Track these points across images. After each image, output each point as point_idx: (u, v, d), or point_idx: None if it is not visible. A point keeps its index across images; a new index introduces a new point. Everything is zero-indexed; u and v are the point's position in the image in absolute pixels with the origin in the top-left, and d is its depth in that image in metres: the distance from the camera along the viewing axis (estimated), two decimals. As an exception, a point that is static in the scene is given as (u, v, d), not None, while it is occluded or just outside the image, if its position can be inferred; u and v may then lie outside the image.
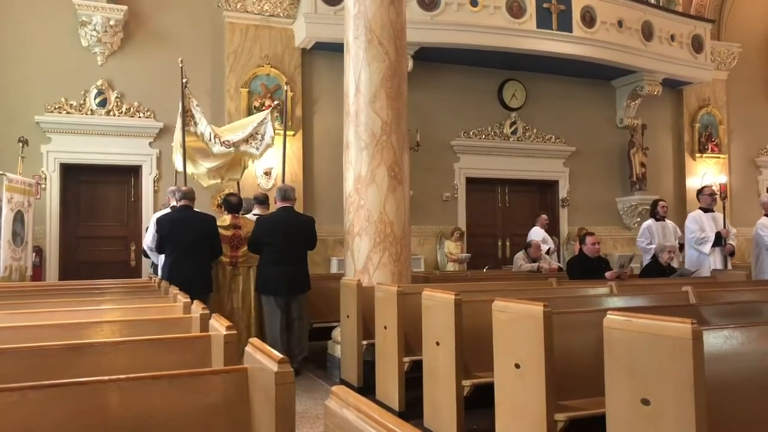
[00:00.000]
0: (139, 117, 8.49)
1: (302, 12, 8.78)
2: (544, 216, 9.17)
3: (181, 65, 6.98)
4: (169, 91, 7.80)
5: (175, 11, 8.70)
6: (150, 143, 8.55)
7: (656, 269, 6.41)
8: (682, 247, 7.96)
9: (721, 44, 11.68)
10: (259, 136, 6.63)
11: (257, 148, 6.62)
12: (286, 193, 5.74)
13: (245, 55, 8.87)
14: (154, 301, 4.03)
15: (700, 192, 7.74)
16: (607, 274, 5.80)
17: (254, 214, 6.47)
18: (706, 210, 7.41)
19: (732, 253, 7.44)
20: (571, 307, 3.87)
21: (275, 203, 5.93)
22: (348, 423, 1.17)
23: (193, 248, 5.47)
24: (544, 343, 2.87)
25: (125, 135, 8.42)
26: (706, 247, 7.20)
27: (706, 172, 11.57)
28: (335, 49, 7.81)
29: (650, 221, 7.96)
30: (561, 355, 3.01)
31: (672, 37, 10.60)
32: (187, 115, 6.67)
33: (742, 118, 12.09)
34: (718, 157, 11.73)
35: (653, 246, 7.57)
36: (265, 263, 5.63)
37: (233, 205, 6.25)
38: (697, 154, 11.55)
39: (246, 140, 6.61)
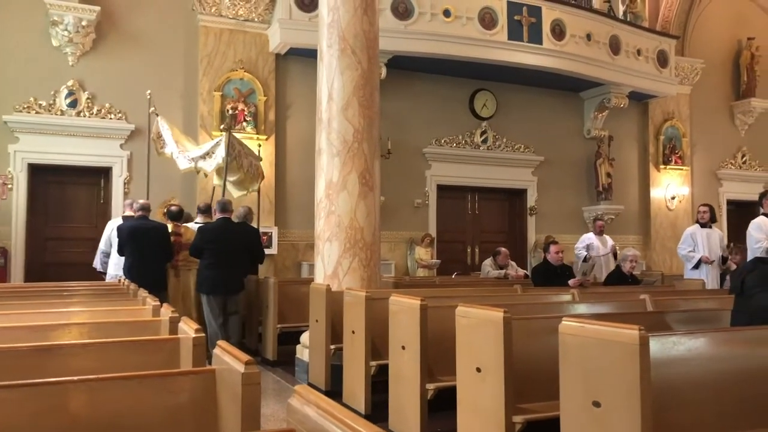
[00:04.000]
0: (111, 118, 8.45)
1: (277, 18, 8.83)
2: (599, 222, 9.03)
3: (148, 96, 7.41)
4: (142, 93, 7.79)
5: (149, 13, 8.69)
6: (121, 145, 8.51)
7: (619, 278, 6.61)
8: (724, 260, 7.42)
9: (685, 60, 12.05)
10: (213, 155, 7.01)
11: (210, 166, 7.09)
12: (224, 206, 6.37)
13: (219, 58, 8.89)
14: (123, 304, 4.06)
15: (764, 195, 6.63)
16: (570, 281, 5.97)
17: (196, 222, 6.99)
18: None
19: None
20: (535, 313, 4.00)
21: (214, 214, 6.53)
22: (309, 419, 1.25)
23: (148, 252, 6.19)
24: (504, 347, 2.99)
25: (96, 136, 8.37)
26: None
27: (669, 183, 11.91)
28: (309, 55, 7.88)
29: (695, 227, 7.45)
30: (521, 360, 3.12)
31: (638, 52, 10.91)
32: (159, 140, 7.32)
33: (704, 131, 12.48)
34: (681, 169, 12.08)
35: (696, 255, 7.23)
36: (204, 266, 6.22)
37: (174, 213, 6.95)
38: (662, 166, 11.88)
39: (203, 157, 7.07)
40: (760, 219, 6.41)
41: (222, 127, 7.67)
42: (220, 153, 6.94)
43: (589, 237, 8.67)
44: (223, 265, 6.13)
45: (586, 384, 2.46)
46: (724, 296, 4.98)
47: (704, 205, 7.68)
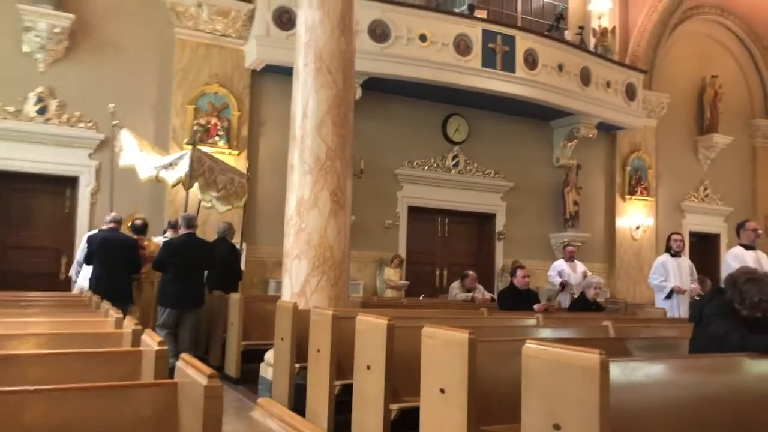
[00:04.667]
0: (80, 127, 8.33)
1: (254, 34, 8.86)
2: (569, 248, 9.00)
3: (111, 110, 7.48)
4: (115, 103, 7.73)
5: (125, 23, 8.63)
6: (90, 154, 8.39)
7: (583, 304, 6.70)
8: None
9: (652, 94, 12.40)
10: (176, 167, 7.03)
11: (172, 177, 7.11)
12: (189, 221, 6.45)
13: (194, 72, 8.86)
14: (85, 316, 3.98)
15: (741, 226, 6.61)
16: (536, 306, 6.03)
17: (165, 237, 7.16)
18: (747, 247, 6.41)
19: None
20: (500, 336, 4.03)
21: (179, 230, 6.55)
22: (271, 432, 1.25)
23: (116, 263, 6.27)
24: (468, 369, 3.00)
25: (64, 144, 8.24)
26: None
27: (635, 213, 12.17)
28: (285, 73, 7.90)
29: (665, 257, 7.28)
30: (485, 382, 3.14)
31: (608, 84, 11.20)
32: (122, 152, 7.37)
33: (669, 164, 12.82)
34: (647, 200, 12.36)
35: (669, 284, 7.10)
36: (167, 280, 6.27)
37: (138, 227, 7.11)
38: (627, 196, 12.14)
39: (165, 167, 7.09)
40: (737, 249, 6.44)
41: (186, 141, 7.64)
42: (184, 166, 6.96)
43: (560, 264, 8.71)
44: (186, 280, 6.21)
45: (547, 406, 2.48)
46: (684, 325, 5.07)
47: (677, 233, 7.58)
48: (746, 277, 3.45)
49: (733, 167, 13.59)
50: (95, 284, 6.21)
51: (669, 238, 7.34)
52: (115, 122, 7.51)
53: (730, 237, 13.22)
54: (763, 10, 13.33)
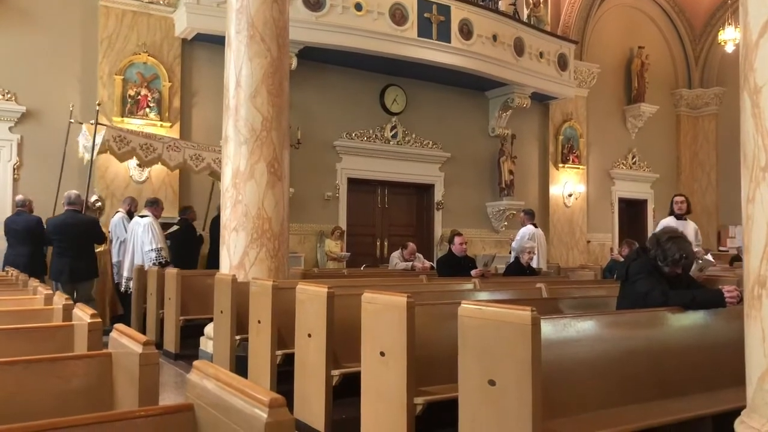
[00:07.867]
0: (-1, 99, 7.90)
1: (184, 1, 8.55)
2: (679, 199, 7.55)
3: (71, 108, 7.41)
4: (34, 73, 7.36)
5: (43, -11, 8.16)
6: (10, 128, 7.96)
7: (517, 269, 6.91)
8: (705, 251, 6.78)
9: (583, 64, 12.72)
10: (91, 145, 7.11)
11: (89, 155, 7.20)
12: (71, 199, 6.60)
13: (121, 41, 8.50)
14: (10, 294, 3.83)
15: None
16: (473, 272, 6.18)
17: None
18: (678, 216, 6.45)
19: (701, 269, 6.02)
20: (438, 300, 4.12)
21: (63, 207, 6.67)
22: (208, 392, 1.25)
23: (23, 240, 6.71)
24: (407, 331, 3.07)
25: (-19, 117, 7.80)
26: None
27: (567, 181, 12.55)
28: (217, 42, 7.70)
29: (669, 219, 6.91)
30: (424, 345, 3.22)
31: (541, 54, 11.40)
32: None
33: (599, 133, 13.25)
34: (578, 168, 12.76)
35: None
36: (53, 255, 6.64)
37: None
38: (560, 164, 12.50)
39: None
40: (668, 218, 6.37)
41: (90, 122, 7.35)
42: (97, 144, 6.93)
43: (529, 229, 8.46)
44: (65, 255, 6.43)
45: (483, 364, 2.57)
46: (613, 285, 5.32)
47: (680, 195, 7.22)
48: (668, 235, 3.64)
49: (658, 135, 14.18)
50: (3, 260, 6.80)
51: (672, 201, 7.00)
52: (71, 120, 7.45)
53: (657, 203, 13.88)
54: (686, -17, 13.81)
